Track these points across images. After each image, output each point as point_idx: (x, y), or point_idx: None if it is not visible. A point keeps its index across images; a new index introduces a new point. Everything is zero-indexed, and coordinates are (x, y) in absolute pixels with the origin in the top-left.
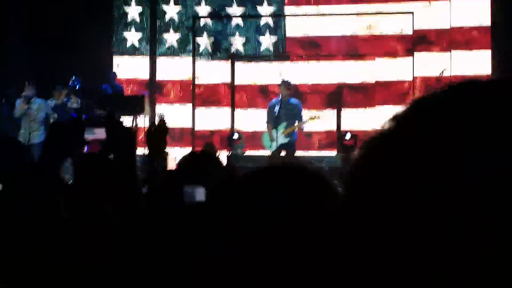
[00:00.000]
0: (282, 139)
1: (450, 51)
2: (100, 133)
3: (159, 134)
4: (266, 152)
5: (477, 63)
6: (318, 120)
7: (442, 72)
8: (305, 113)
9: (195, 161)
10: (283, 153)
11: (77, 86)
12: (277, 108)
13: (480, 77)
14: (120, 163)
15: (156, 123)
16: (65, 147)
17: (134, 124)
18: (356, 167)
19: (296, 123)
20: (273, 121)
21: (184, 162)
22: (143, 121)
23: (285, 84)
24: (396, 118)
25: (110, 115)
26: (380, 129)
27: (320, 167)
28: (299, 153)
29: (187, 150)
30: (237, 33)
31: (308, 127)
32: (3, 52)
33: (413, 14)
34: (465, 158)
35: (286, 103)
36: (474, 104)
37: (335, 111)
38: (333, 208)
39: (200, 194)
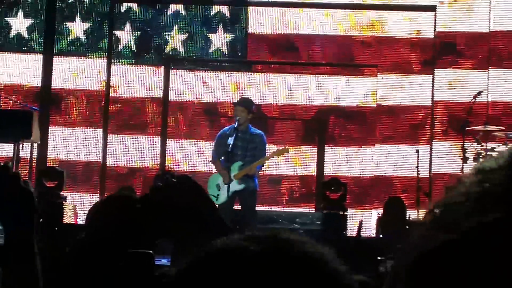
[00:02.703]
0: (235, 185)
1: (488, 66)
2: None
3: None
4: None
5: None
6: (289, 159)
7: (477, 95)
8: (271, 149)
9: (112, 211)
10: (237, 206)
11: None
12: (231, 140)
13: None
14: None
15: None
16: None
17: (16, 155)
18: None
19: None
20: (225, 159)
21: (95, 213)
22: (29, 151)
23: (245, 104)
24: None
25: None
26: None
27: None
28: (260, 208)
29: (94, 197)
30: (175, 27)
31: (272, 167)
32: None
33: (435, 11)
34: None
35: (244, 133)
36: None
37: (315, 148)
38: None
39: None
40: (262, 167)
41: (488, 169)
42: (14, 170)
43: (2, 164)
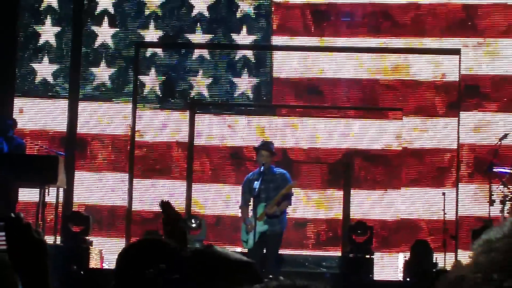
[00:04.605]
0: (259, 227)
1: None
2: None
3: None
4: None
5: None
6: (315, 202)
7: (502, 138)
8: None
9: (144, 256)
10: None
11: None
12: (257, 185)
13: None
14: None
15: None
16: None
17: (42, 200)
18: None
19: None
20: (252, 204)
21: (125, 259)
22: (55, 196)
23: (268, 148)
24: None
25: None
26: None
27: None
28: (286, 251)
29: (119, 241)
30: (200, 71)
31: (298, 210)
32: None
33: (460, 53)
34: None
35: (267, 175)
36: None
37: (341, 191)
38: None
39: None
40: (287, 207)
41: (494, 239)
42: (34, 219)
43: (13, 215)
